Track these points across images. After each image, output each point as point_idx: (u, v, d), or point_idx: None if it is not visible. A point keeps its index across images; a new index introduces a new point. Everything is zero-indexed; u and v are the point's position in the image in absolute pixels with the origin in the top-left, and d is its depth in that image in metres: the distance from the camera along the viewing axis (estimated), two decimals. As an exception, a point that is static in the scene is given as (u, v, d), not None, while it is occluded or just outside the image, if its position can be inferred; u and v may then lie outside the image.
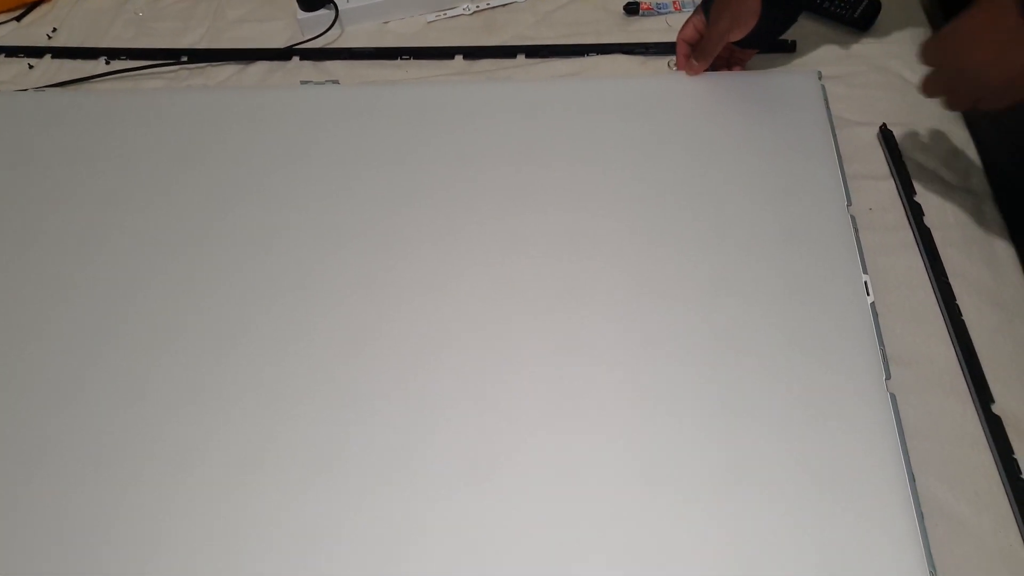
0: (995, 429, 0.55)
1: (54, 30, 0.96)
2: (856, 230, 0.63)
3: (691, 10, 0.75)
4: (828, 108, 0.71)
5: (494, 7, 0.89)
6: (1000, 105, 0.57)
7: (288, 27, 0.91)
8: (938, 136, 0.70)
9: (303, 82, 0.83)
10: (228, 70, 0.88)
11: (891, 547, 0.50)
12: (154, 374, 0.61)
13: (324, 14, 0.88)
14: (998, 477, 0.54)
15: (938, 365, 0.59)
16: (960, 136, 0.70)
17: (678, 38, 0.74)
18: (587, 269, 0.64)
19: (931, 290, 0.62)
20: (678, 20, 0.76)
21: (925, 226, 0.65)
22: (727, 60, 0.75)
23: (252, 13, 0.94)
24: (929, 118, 0.71)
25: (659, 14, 0.85)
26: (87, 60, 0.91)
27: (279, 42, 0.89)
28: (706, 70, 0.74)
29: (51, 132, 0.80)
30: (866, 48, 0.78)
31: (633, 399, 0.57)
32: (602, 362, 0.59)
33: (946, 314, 0.60)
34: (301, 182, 0.72)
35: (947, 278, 0.62)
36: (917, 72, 0.75)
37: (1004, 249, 0.63)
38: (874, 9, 0.78)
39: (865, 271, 0.61)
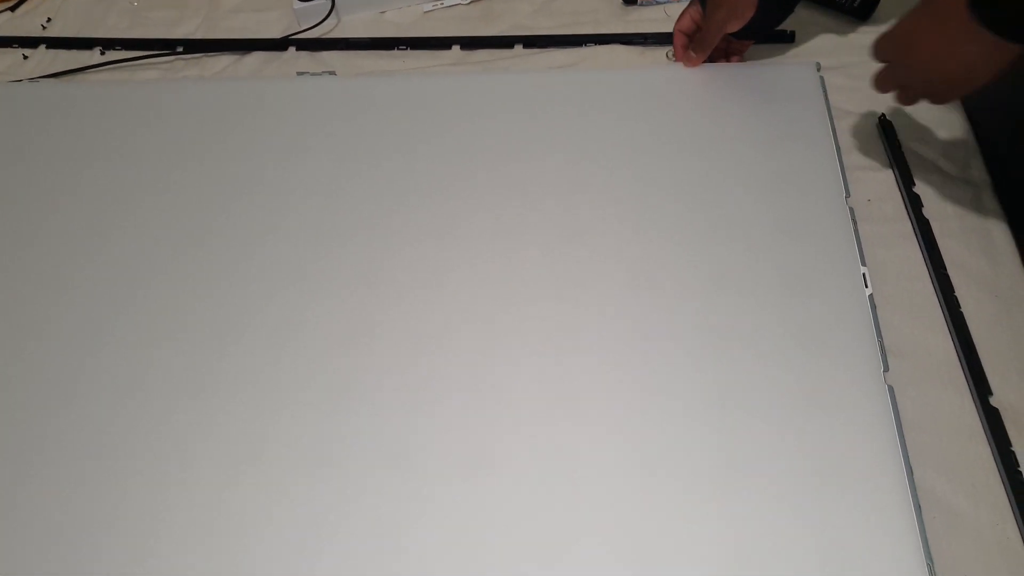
0: (993, 421, 0.55)
1: (49, 20, 0.95)
2: (854, 221, 0.63)
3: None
4: (827, 99, 0.71)
5: (491, -5, 0.89)
6: (949, 99, 0.59)
7: (284, 17, 0.90)
8: (937, 127, 0.70)
9: (299, 73, 0.82)
10: (224, 60, 0.87)
11: (888, 539, 0.50)
12: (150, 369, 0.61)
13: (320, 3, 0.88)
14: (996, 470, 0.54)
15: (936, 357, 0.59)
16: (959, 127, 0.70)
17: (675, 29, 0.74)
18: (585, 262, 0.63)
19: (929, 281, 0.62)
20: (677, 10, 0.76)
21: (924, 217, 0.64)
22: (724, 51, 0.75)
23: (248, 3, 0.93)
24: (928, 109, 0.71)
25: (658, 3, 0.85)
26: (82, 50, 0.91)
27: (275, 32, 0.89)
28: (704, 61, 0.73)
29: (46, 123, 0.79)
30: (865, 37, 0.76)
31: (630, 393, 0.57)
32: (600, 356, 0.59)
33: (944, 306, 0.60)
34: (297, 174, 0.72)
35: (946, 269, 0.62)
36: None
37: (1003, 240, 0.63)
38: (873, -2, 0.78)
39: (863, 263, 0.61)
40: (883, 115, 0.71)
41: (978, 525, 0.52)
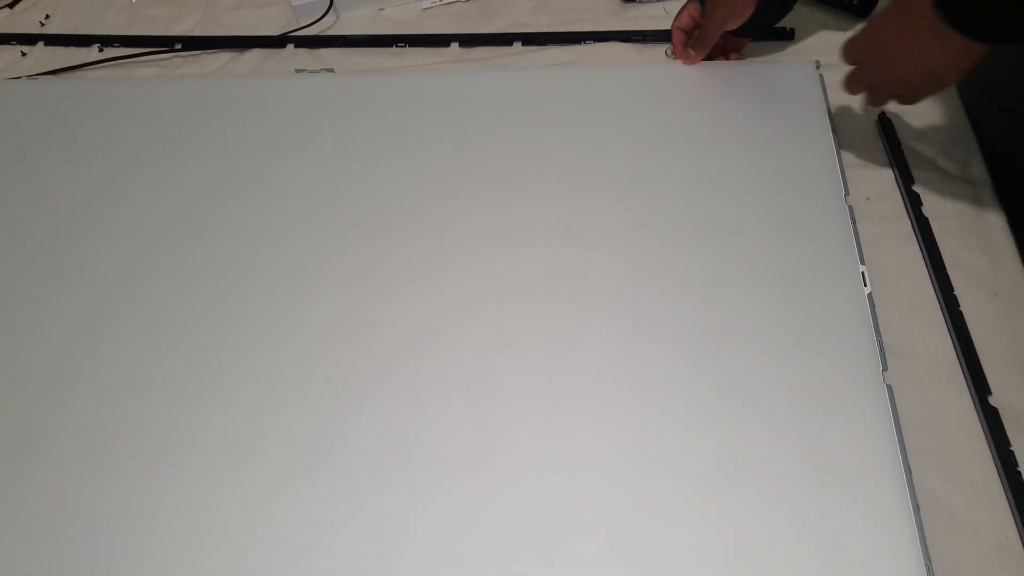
0: (992, 421, 0.55)
1: (47, 17, 0.95)
2: (853, 220, 0.63)
3: (688, -4, 0.75)
4: (826, 97, 0.70)
5: (490, -7, 0.88)
6: (918, 99, 0.60)
7: (283, 14, 0.90)
8: (937, 125, 0.70)
9: (298, 70, 0.82)
10: (222, 58, 0.87)
11: (886, 539, 0.49)
12: (145, 365, 0.61)
13: (319, 0, 0.87)
14: (995, 469, 0.54)
15: (935, 356, 0.58)
16: (959, 125, 0.70)
17: (673, 26, 0.74)
18: (582, 260, 0.63)
19: (929, 280, 0.62)
20: (676, 7, 0.75)
21: (923, 216, 0.64)
22: (723, 48, 0.75)
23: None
24: (928, 106, 0.71)
25: (657, 1, 0.84)
26: (80, 47, 0.91)
27: (274, 29, 0.89)
28: (703, 59, 0.73)
29: (44, 120, 0.79)
30: (865, 35, 0.77)
31: (627, 391, 0.57)
32: (598, 354, 0.58)
33: (944, 305, 0.60)
34: (295, 171, 0.72)
35: (945, 268, 0.61)
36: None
37: (1003, 239, 0.63)
38: (873, -5, 0.78)
39: (862, 261, 0.61)
40: (883, 113, 0.70)
41: (977, 525, 0.52)
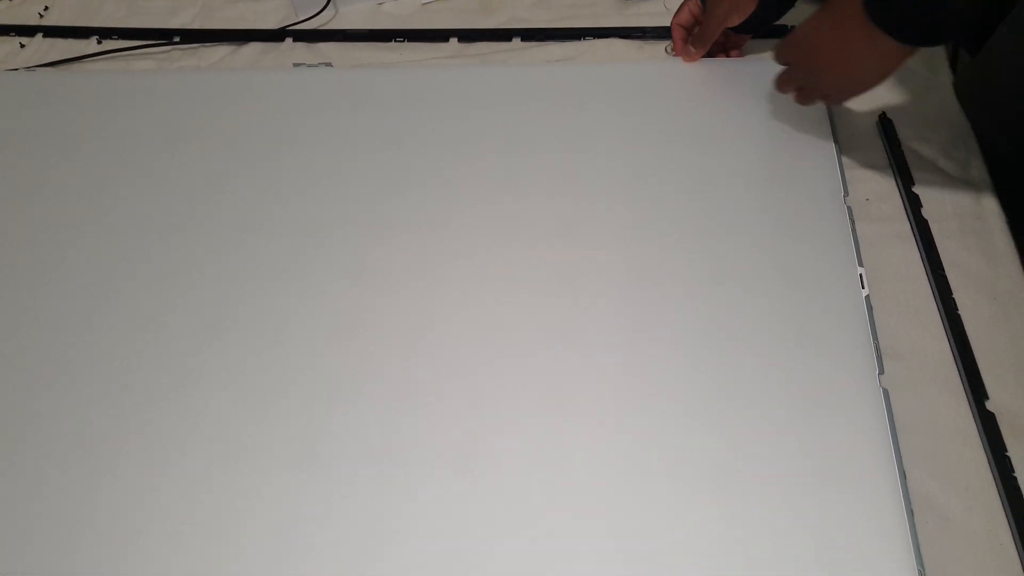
0: (988, 426, 0.54)
1: (46, 8, 0.95)
2: (852, 221, 0.62)
3: (689, -7, 0.74)
4: (827, 95, 0.70)
5: (491, -13, 0.88)
6: (843, 99, 0.63)
7: (282, 7, 0.89)
8: (938, 126, 0.69)
9: (296, 64, 0.82)
10: (221, 51, 0.87)
11: (880, 543, 0.49)
12: (137, 361, 0.61)
13: (318, -6, 0.87)
14: (990, 474, 0.53)
15: (932, 360, 0.58)
16: (960, 126, 0.69)
17: (673, 23, 0.73)
18: (579, 257, 0.63)
19: (927, 283, 0.61)
20: (676, 3, 0.75)
21: (923, 217, 0.64)
22: (723, 45, 0.74)
23: (245, -8, 0.92)
24: (929, 107, 0.70)
25: (657, -3, 0.84)
26: (79, 39, 0.90)
27: (272, 22, 0.88)
28: (703, 56, 0.73)
29: (41, 112, 0.79)
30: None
31: (624, 390, 0.56)
32: (594, 354, 0.58)
33: (942, 308, 0.60)
34: (291, 166, 0.71)
35: (944, 271, 0.61)
36: (920, 59, 0.74)
37: (1003, 241, 0.62)
38: (876, -6, 0.77)
39: (861, 263, 0.60)
40: (883, 113, 0.70)
41: (971, 530, 0.51)
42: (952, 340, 0.58)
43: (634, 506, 0.52)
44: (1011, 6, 0.61)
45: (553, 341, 0.59)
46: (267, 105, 0.76)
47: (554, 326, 0.60)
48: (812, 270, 0.60)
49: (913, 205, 0.64)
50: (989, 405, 0.55)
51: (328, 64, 0.81)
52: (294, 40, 0.86)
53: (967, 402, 0.56)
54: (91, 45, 0.89)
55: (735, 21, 0.68)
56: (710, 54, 0.73)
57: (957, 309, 0.59)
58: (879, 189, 0.66)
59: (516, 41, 0.82)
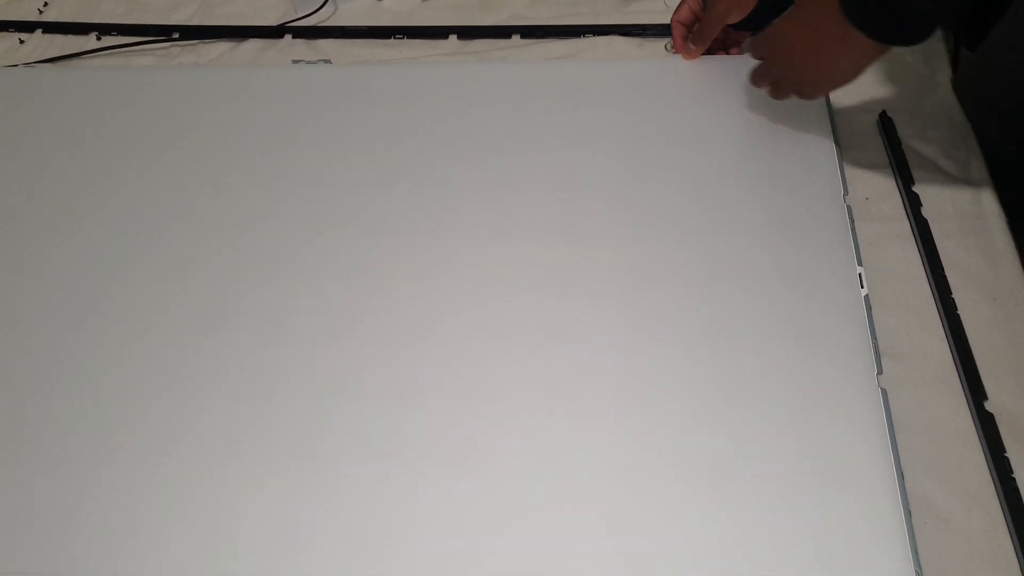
0: (987, 426, 0.54)
1: (45, 4, 0.95)
2: (852, 220, 0.62)
3: (689, -10, 0.74)
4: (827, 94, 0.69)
5: (491, -16, 0.88)
6: (816, 95, 0.64)
7: (281, 3, 0.89)
8: (938, 125, 0.69)
9: (295, 61, 0.82)
10: (220, 47, 0.87)
11: (877, 545, 0.49)
12: (134, 357, 0.61)
13: (318, -9, 0.87)
14: (989, 475, 0.53)
15: (931, 360, 0.58)
16: (960, 125, 0.69)
17: (673, 20, 0.73)
18: (578, 255, 0.63)
19: (927, 283, 0.61)
20: (676, 0, 0.74)
21: (922, 217, 0.63)
22: (723, 42, 0.74)
23: (245, -11, 0.92)
24: (930, 106, 0.70)
25: (658, -6, 0.84)
26: (78, 35, 0.90)
27: (271, 19, 0.88)
28: (703, 53, 0.72)
29: (40, 109, 0.79)
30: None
31: (621, 388, 0.56)
32: (592, 353, 0.58)
33: (941, 308, 0.59)
34: (291, 163, 0.71)
35: (943, 271, 0.61)
36: (920, 57, 0.74)
37: (1003, 242, 0.62)
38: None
39: (860, 262, 0.60)
40: (883, 112, 0.69)
41: (969, 532, 0.51)
42: (951, 340, 0.58)
43: (632, 505, 0.51)
44: (1009, 3, 0.61)
45: (552, 340, 0.59)
46: (266, 102, 0.76)
47: (553, 325, 0.59)
48: (811, 269, 0.60)
49: (913, 204, 0.64)
50: (988, 406, 0.55)
51: (327, 61, 0.81)
52: (293, 37, 0.86)
53: (966, 402, 0.56)
54: (90, 41, 0.89)
55: (736, 18, 0.68)
56: (710, 51, 0.73)
57: (956, 309, 0.59)
58: (879, 188, 0.66)
59: (515, 38, 0.82)
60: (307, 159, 0.71)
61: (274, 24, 0.87)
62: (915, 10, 0.52)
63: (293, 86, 0.77)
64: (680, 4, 0.72)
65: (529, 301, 0.61)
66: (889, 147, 0.68)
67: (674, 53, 0.75)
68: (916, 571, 0.48)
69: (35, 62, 0.87)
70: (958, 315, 0.58)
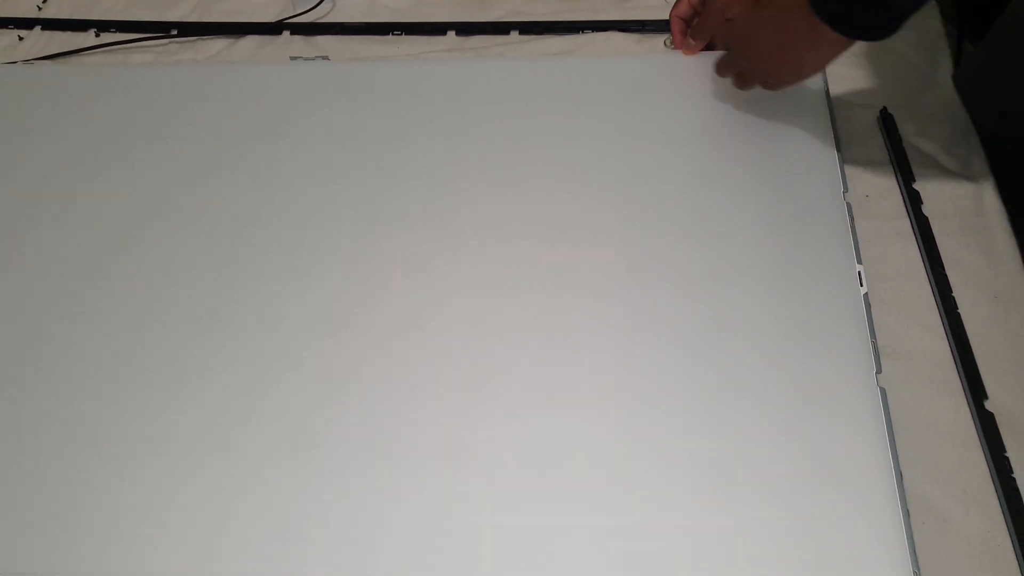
0: (987, 426, 0.54)
1: (44, 1, 0.94)
2: (851, 218, 0.61)
3: (689, -14, 0.73)
4: (827, 90, 0.69)
5: (490, -20, 0.87)
6: (781, 87, 0.64)
7: (279, 0, 0.89)
8: (940, 121, 0.68)
9: (293, 58, 0.81)
10: (218, 44, 0.86)
11: (875, 545, 0.49)
12: (130, 353, 0.61)
13: (316, -13, 0.86)
14: (988, 475, 0.53)
15: (931, 359, 0.57)
16: (961, 122, 0.68)
17: (672, 15, 0.72)
18: (575, 254, 0.62)
19: (927, 281, 0.61)
20: (676, -4, 0.74)
21: (923, 214, 0.63)
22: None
23: (243, -15, 0.92)
24: (932, 102, 0.69)
25: (657, -11, 0.83)
26: (77, 32, 0.90)
27: (270, 15, 0.88)
28: (702, 49, 0.72)
29: (39, 105, 0.79)
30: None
31: (620, 387, 0.56)
32: (588, 352, 0.57)
33: (941, 306, 0.59)
34: (288, 160, 0.71)
35: (944, 269, 0.60)
36: (923, 54, 0.73)
37: (1004, 240, 0.62)
38: (880, -14, 0.76)
39: (859, 260, 0.59)
40: (884, 108, 0.69)
41: (968, 532, 0.51)
42: (951, 339, 0.57)
43: (630, 504, 0.51)
44: None
45: (550, 338, 0.58)
46: (263, 99, 0.76)
47: (551, 322, 0.59)
48: (810, 267, 0.59)
49: (913, 202, 0.64)
50: (988, 405, 0.54)
51: (324, 57, 0.80)
52: (292, 33, 0.85)
53: (966, 402, 0.55)
54: (89, 38, 0.89)
55: (735, 12, 0.67)
56: (710, 48, 0.72)
57: (957, 308, 0.58)
58: (879, 185, 0.66)
59: (514, 35, 0.82)
60: (305, 156, 0.71)
61: (272, 20, 0.87)
62: (882, 4, 0.52)
63: (291, 83, 0.77)
64: (679, -1, 0.72)
65: (526, 299, 0.60)
66: (890, 144, 0.67)
67: (673, 49, 0.74)
68: (914, 571, 0.48)
69: (34, 59, 0.87)
70: (958, 314, 0.58)
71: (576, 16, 0.82)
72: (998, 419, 0.54)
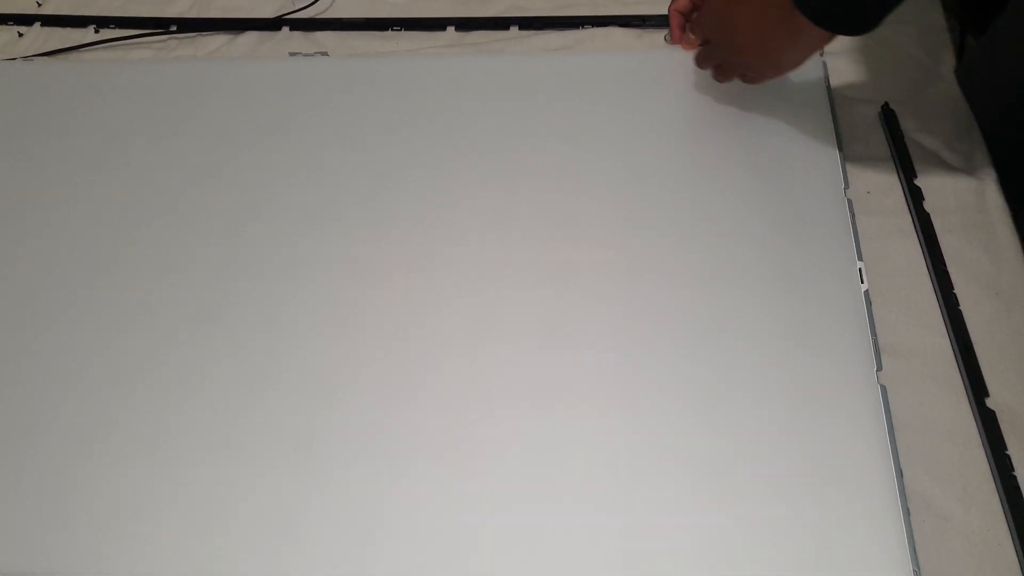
0: (989, 424, 0.53)
1: (44, -3, 0.94)
2: (852, 214, 0.61)
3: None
4: (829, 85, 0.69)
5: (490, -25, 0.87)
6: (761, 80, 0.64)
7: (278, -5, 0.89)
8: (942, 117, 0.68)
9: (292, 54, 0.81)
10: (218, 40, 0.86)
11: (875, 544, 0.48)
12: (128, 349, 0.61)
13: (315, -18, 0.86)
14: (989, 474, 0.52)
15: (932, 357, 0.57)
16: (964, 117, 0.68)
17: (670, 9, 0.72)
18: (574, 252, 0.62)
19: (928, 278, 0.60)
20: (676, -11, 0.73)
21: (924, 211, 0.62)
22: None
23: (243, -19, 0.91)
24: (933, 98, 0.69)
25: (658, -17, 0.82)
26: (76, 28, 0.90)
27: (269, 11, 0.87)
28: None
29: (38, 102, 0.79)
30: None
31: (619, 386, 0.56)
32: (588, 349, 0.57)
33: (943, 304, 0.58)
34: (287, 156, 0.71)
35: (945, 266, 0.60)
36: (925, 48, 0.73)
37: (1006, 236, 0.61)
38: (882, -20, 0.75)
39: (860, 257, 0.59)
40: (886, 103, 0.68)
41: (968, 531, 0.50)
42: (952, 336, 0.57)
43: (629, 503, 0.51)
44: None
45: (548, 337, 0.58)
46: (263, 95, 0.76)
47: (549, 322, 0.59)
48: (811, 264, 0.59)
49: (915, 198, 0.63)
50: (989, 403, 0.54)
51: (323, 53, 0.80)
52: (291, 29, 0.85)
53: (967, 400, 0.55)
54: (88, 34, 0.89)
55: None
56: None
57: (958, 305, 0.58)
58: (880, 182, 0.65)
59: (514, 30, 0.81)
60: (304, 152, 0.71)
61: (271, 16, 0.86)
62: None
63: (290, 79, 0.77)
64: (677, -7, 0.72)
65: (526, 297, 0.60)
66: (891, 140, 0.67)
67: (672, 44, 0.74)
68: (914, 570, 0.47)
69: (33, 55, 0.87)
70: (960, 311, 0.58)
71: (576, 11, 0.81)
72: (999, 417, 0.53)
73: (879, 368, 0.54)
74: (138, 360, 0.60)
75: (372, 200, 0.67)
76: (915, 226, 0.62)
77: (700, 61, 0.67)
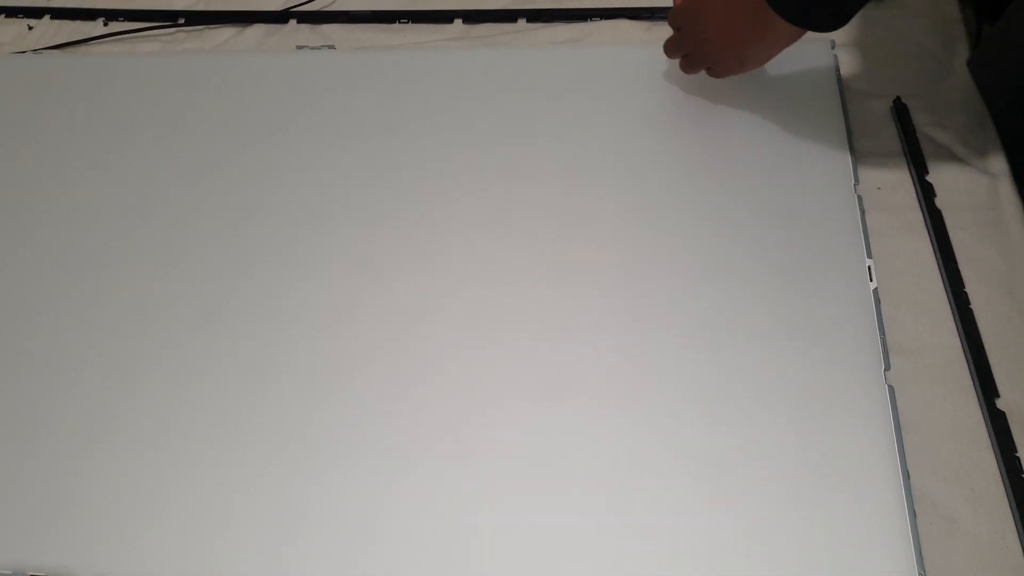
0: (998, 425, 0.52)
1: (53, -11, 0.95)
2: (862, 211, 0.60)
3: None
4: (839, 79, 0.67)
5: (497, -33, 0.86)
6: (728, 74, 0.64)
7: (286, -13, 0.88)
8: (955, 111, 0.67)
9: (299, 47, 0.81)
10: (225, 33, 0.86)
11: (880, 545, 0.48)
12: (129, 345, 0.61)
13: (322, -26, 0.86)
14: (998, 475, 0.52)
15: (942, 356, 0.56)
16: (978, 112, 0.66)
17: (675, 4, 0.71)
18: (581, 247, 0.62)
19: (938, 276, 0.59)
20: (685, -17, 0.72)
21: (936, 208, 0.61)
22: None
23: (250, -27, 0.91)
24: (946, 92, 0.67)
25: (667, -24, 0.81)
26: (85, 21, 0.90)
27: (276, 3, 0.87)
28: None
29: (48, 95, 0.79)
30: (884, 13, 0.73)
31: (623, 384, 0.55)
32: (591, 347, 0.57)
33: (953, 302, 0.58)
34: (294, 150, 0.71)
35: (956, 264, 0.59)
36: (938, 41, 0.71)
37: (1019, 234, 0.60)
38: (895, -29, 0.74)
39: (869, 255, 0.58)
40: (898, 98, 0.67)
41: (976, 533, 0.50)
42: (963, 336, 0.56)
43: (633, 502, 0.51)
44: None
45: (553, 333, 0.58)
46: (269, 89, 0.76)
47: (552, 318, 0.59)
48: (819, 261, 0.58)
49: (926, 194, 0.62)
50: (1000, 403, 0.53)
51: (330, 47, 0.80)
52: (298, 22, 0.85)
53: (976, 400, 0.54)
54: (97, 27, 0.89)
55: None
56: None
57: (969, 304, 0.57)
58: (891, 178, 0.64)
59: (521, 22, 0.81)
60: (310, 145, 0.71)
61: (279, 9, 0.86)
62: None
63: (296, 73, 0.77)
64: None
65: (531, 293, 0.60)
66: (903, 134, 0.66)
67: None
68: (920, 572, 0.47)
69: (43, 48, 0.87)
70: (971, 310, 0.57)
71: (584, 4, 0.80)
72: (1009, 418, 0.52)
73: (887, 367, 0.54)
74: (139, 358, 0.60)
75: (378, 193, 0.67)
76: (926, 223, 0.61)
77: (669, 50, 0.67)
